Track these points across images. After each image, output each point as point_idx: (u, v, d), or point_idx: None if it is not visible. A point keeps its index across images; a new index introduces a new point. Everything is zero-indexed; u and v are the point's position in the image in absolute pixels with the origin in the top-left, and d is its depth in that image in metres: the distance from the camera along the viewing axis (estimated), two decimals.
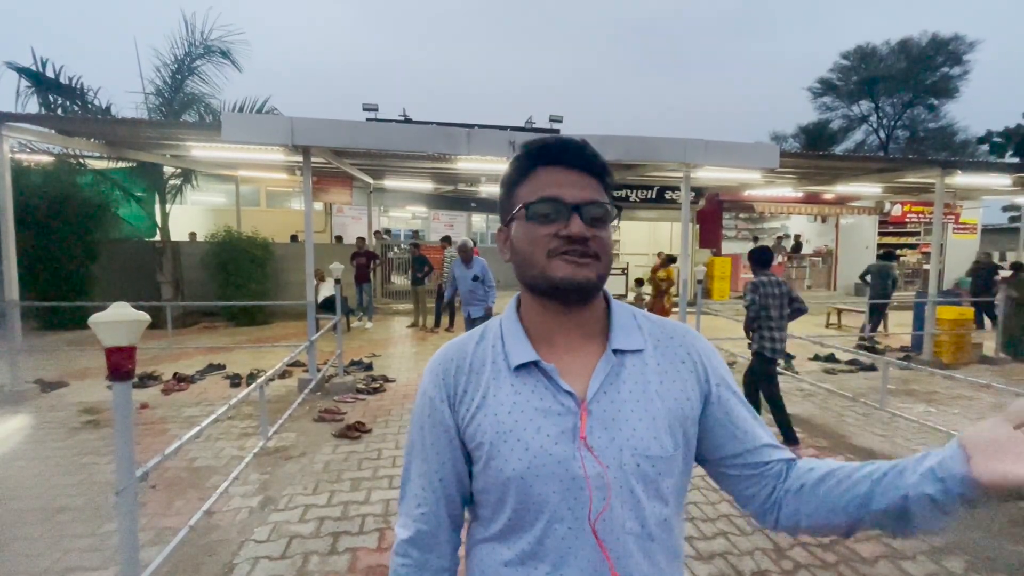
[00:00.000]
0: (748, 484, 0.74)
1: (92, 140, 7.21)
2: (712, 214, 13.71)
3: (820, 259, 14.07)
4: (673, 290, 8.32)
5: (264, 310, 9.35)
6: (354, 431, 4.17)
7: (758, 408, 4.11)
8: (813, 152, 13.32)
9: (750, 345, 4.24)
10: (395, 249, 12.70)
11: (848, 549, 2.64)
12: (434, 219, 14.80)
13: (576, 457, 0.67)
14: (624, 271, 12.25)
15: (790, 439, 4.02)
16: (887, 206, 13.64)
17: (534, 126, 16.35)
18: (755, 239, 13.85)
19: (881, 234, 14.44)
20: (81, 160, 8.64)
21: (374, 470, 3.54)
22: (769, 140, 27.23)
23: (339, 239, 12.33)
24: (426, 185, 11.90)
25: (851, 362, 6.67)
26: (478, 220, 16.06)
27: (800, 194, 12.03)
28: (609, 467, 0.67)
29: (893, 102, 26.51)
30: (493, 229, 14.38)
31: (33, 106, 7.23)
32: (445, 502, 0.76)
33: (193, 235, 11.42)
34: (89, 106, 7.59)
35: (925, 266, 12.96)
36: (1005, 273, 8.06)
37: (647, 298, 9.09)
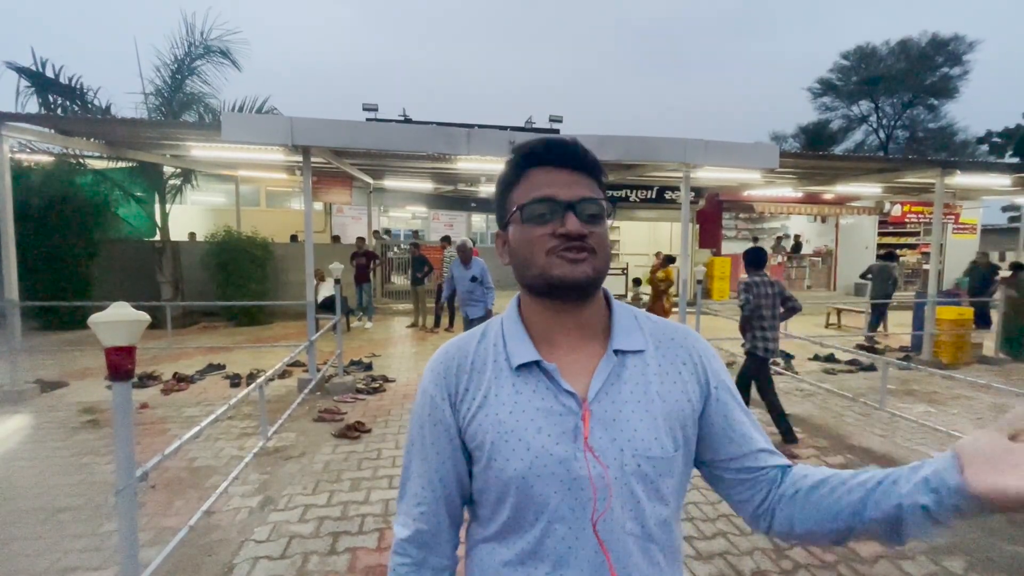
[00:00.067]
0: (743, 488, 0.74)
1: (92, 140, 7.21)
2: (712, 214, 13.71)
3: (820, 259, 14.07)
4: (672, 290, 8.32)
5: (264, 310, 9.34)
6: (354, 431, 4.17)
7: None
8: (813, 152, 13.30)
9: (743, 345, 4.27)
10: (395, 249, 12.70)
11: (848, 549, 2.65)
12: (434, 219, 14.80)
13: (577, 457, 0.67)
14: (624, 271, 12.26)
15: (789, 439, 4.03)
16: (887, 206, 13.64)
17: (534, 126, 16.33)
18: (755, 239, 13.85)
19: (881, 234, 14.44)
20: (81, 160, 8.64)
21: (374, 470, 3.54)
22: (769, 140, 27.23)
23: (336, 239, 12.31)
24: (426, 185, 11.90)
25: (851, 362, 6.67)
26: (478, 220, 16.06)
27: (800, 194, 12.03)
28: (610, 467, 0.67)
29: (893, 102, 26.52)
30: (493, 229, 14.39)
31: (33, 106, 7.24)
32: (445, 501, 0.76)
33: (192, 235, 11.42)
34: (89, 106, 7.59)
35: (925, 266, 12.96)
36: (1005, 273, 8.06)
37: (644, 298, 9.09)
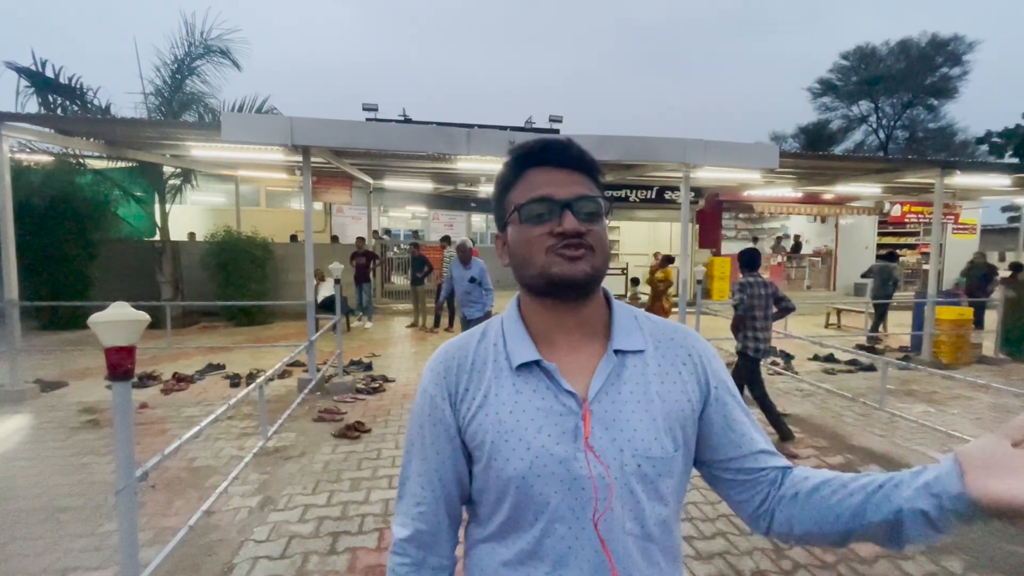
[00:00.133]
0: (742, 489, 0.74)
1: (92, 140, 7.21)
2: (712, 214, 13.70)
3: (820, 259, 14.07)
4: (672, 290, 8.32)
5: (264, 310, 9.34)
6: (354, 431, 4.17)
7: None
8: (813, 152, 13.31)
9: (736, 345, 4.31)
10: (395, 249, 12.69)
11: (847, 549, 2.64)
12: (434, 219, 14.80)
13: (577, 457, 0.67)
14: (624, 271, 12.26)
15: (785, 436, 4.05)
16: (887, 206, 13.64)
17: (534, 126, 16.33)
18: (755, 239, 13.85)
19: (880, 234, 14.45)
20: (81, 160, 8.64)
21: (373, 470, 3.54)
22: (769, 140, 27.24)
23: (335, 239, 12.30)
24: (426, 185, 11.90)
25: (850, 362, 6.67)
26: (478, 220, 16.05)
27: (800, 194, 12.03)
28: (610, 467, 0.67)
29: (893, 102, 26.53)
30: (493, 229, 14.37)
31: (33, 106, 7.24)
32: (444, 501, 0.76)
33: (192, 235, 11.42)
34: (88, 106, 7.59)
35: (924, 266, 12.97)
36: (1004, 273, 8.07)
37: (643, 297, 9.09)
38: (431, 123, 10.09)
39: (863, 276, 9.33)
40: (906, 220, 14.29)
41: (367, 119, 12.11)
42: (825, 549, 2.64)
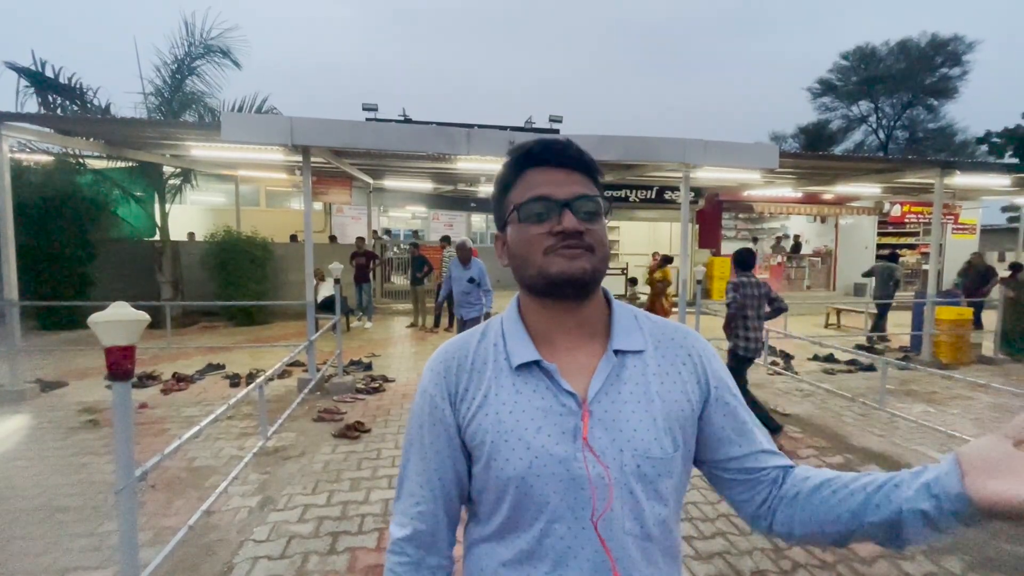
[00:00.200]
0: (743, 488, 0.74)
1: (91, 140, 7.20)
2: (712, 214, 13.71)
3: (819, 259, 14.07)
4: (670, 290, 8.33)
5: (263, 310, 9.34)
6: (353, 431, 4.17)
7: None
8: (812, 152, 13.29)
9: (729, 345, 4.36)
10: (394, 249, 12.68)
11: (847, 549, 2.64)
12: (434, 219, 14.80)
13: (577, 458, 0.67)
14: (623, 271, 12.26)
15: (773, 429, 4.08)
16: (886, 206, 13.64)
17: (534, 126, 16.32)
18: (755, 239, 13.85)
19: (880, 234, 14.44)
20: (81, 160, 8.63)
21: (373, 470, 3.54)
22: (769, 140, 27.24)
23: (333, 239, 12.29)
24: (426, 185, 11.90)
25: (850, 362, 6.68)
26: (478, 220, 16.05)
27: (800, 194, 12.03)
28: (609, 467, 0.67)
29: (892, 102, 26.52)
30: (492, 229, 14.34)
31: (32, 106, 7.23)
32: (443, 501, 0.76)
33: (191, 235, 11.42)
34: (88, 106, 7.59)
35: (924, 266, 12.97)
36: (1004, 273, 8.07)
37: (642, 297, 9.09)
38: (431, 123, 10.08)
39: (864, 275, 9.33)
40: (906, 220, 14.28)
41: (367, 119, 12.09)
42: (825, 549, 2.64)
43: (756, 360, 4.69)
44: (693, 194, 10.19)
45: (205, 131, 6.32)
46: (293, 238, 12.13)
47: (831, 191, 11.12)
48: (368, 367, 6.33)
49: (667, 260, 8.42)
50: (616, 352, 0.73)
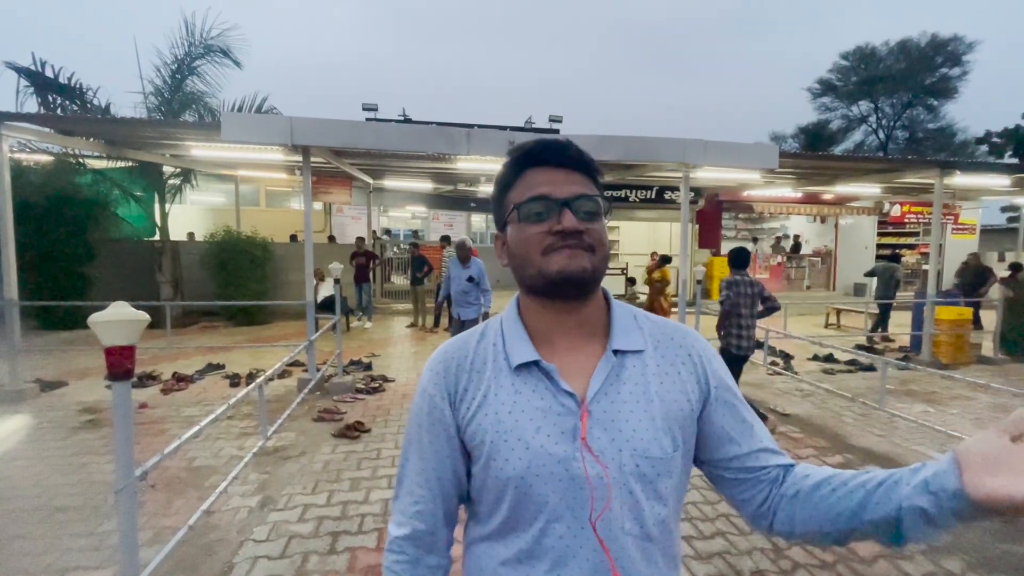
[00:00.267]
0: (744, 487, 0.74)
1: (91, 140, 7.21)
2: (711, 214, 13.71)
3: (819, 259, 14.07)
4: (670, 290, 8.33)
5: (263, 310, 9.34)
6: (353, 431, 4.17)
7: None
8: (812, 152, 13.32)
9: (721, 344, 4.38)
10: (394, 249, 12.68)
11: (847, 548, 2.65)
12: (434, 219, 14.80)
13: (576, 458, 0.67)
14: (623, 271, 12.26)
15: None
16: (886, 206, 13.64)
17: (534, 126, 16.32)
18: (754, 239, 13.86)
19: (880, 234, 14.45)
20: (80, 160, 8.63)
21: (373, 470, 3.54)
22: (769, 140, 27.25)
23: (331, 239, 12.28)
24: (426, 185, 11.90)
25: (850, 362, 6.68)
26: (477, 220, 16.05)
27: (799, 194, 12.04)
28: (609, 467, 0.67)
29: (892, 102, 26.56)
30: (492, 229, 14.26)
31: (32, 106, 7.23)
32: (442, 500, 0.76)
33: (191, 235, 11.42)
34: (88, 106, 7.59)
35: (924, 266, 12.97)
36: (1003, 274, 8.07)
37: (641, 297, 9.10)
38: (431, 123, 10.09)
39: (866, 275, 9.33)
40: (906, 220, 14.28)
41: (367, 119, 12.08)
42: (824, 548, 2.64)
43: (752, 359, 4.70)
44: (693, 194, 10.20)
45: (205, 131, 6.32)
46: (293, 238, 12.13)
47: (831, 191, 11.12)
48: (368, 367, 6.33)
49: (665, 260, 8.42)
50: (615, 352, 0.73)
